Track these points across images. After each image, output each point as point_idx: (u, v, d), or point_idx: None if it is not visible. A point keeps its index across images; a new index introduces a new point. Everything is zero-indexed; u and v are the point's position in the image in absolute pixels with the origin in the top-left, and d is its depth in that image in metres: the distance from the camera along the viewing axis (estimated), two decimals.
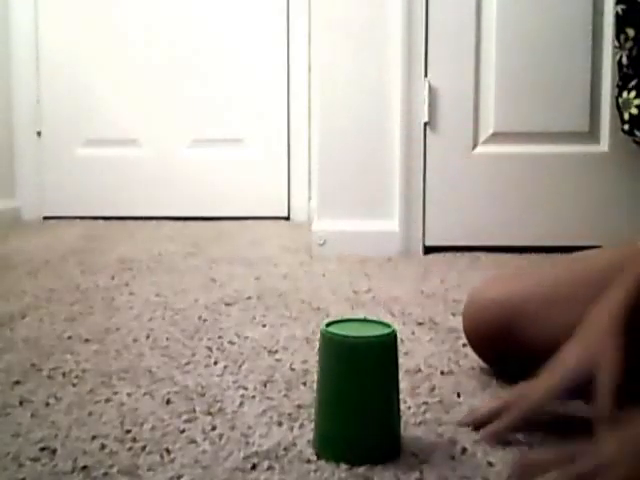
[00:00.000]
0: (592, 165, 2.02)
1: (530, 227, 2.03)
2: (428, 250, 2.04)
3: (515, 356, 0.96)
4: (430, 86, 2.00)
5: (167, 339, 1.21)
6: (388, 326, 0.79)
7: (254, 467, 0.75)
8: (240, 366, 1.07)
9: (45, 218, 2.85)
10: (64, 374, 1.04)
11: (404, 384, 0.98)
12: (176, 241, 2.27)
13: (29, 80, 2.82)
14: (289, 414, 0.89)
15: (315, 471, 0.74)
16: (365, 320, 0.83)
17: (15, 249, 2.15)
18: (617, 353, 0.79)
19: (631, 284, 0.83)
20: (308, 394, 0.95)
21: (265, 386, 0.99)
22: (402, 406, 0.89)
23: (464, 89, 2.01)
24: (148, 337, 1.22)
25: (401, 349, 1.11)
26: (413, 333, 1.24)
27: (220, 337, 1.22)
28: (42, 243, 2.26)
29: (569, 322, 0.93)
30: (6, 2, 2.78)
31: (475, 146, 2.03)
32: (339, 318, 0.81)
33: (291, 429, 0.84)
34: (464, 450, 0.79)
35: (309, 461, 0.76)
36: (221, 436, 0.82)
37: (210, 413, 0.89)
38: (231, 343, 1.19)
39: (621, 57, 1.71)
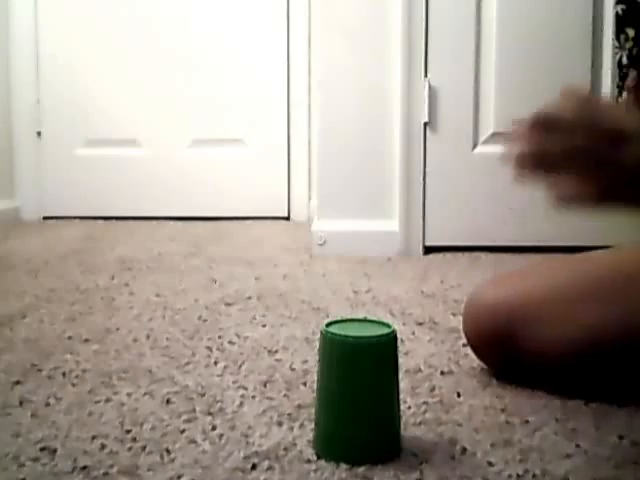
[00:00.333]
0: None
1: (530, 227, 2.03)
2: (428, 250, 2.04)
3: (515, 358, 0.96)
4: (430, 86, 2.00)
5: (167, 339, 1.21)
6: (388, 326, 0.79)
7: (254, 467, 0.75)
8: (240, 366, 1.07)
9: (45, 218, 2.85)
10: (64, 374, 1.04)
11: (404, 384, 0.98)
12: (176, 241, 2.27)
13: (29, 80, 2.82)
14: (289, 414, 0.89)
15: (315, 471, 0.74)
16: (365, 320, 0.83)
17: (15, 249, 2.15)
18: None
19: None
20: (308, 394, 0.95)
21: (265, 386, 0.99)
22: (402, 406, 0.89)
23: (464, 89, 2.01)
24: (148, 337, 1.22)
25: (401, 349, 1.11)
26: (413, 333, 1.24)
27: (220, 337, 1.22)
28: (42, 243, 2.26)
29: (570, 323, 0.93)
30: (6, 2, 2.78)
31: (475, 146, 2.03)
32: (339, 318, 0.81)
33: (291, 429, 0.84)
34: (464, 450, 0.79)
35: (309, 461, 0.76)
36: (221, 436, 0.82)
37: (210, 413, 0.89)
38: (231, 343, 1.19)
39: (621, 57, 1.71)
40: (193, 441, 0.81)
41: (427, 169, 2.03)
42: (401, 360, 1.05)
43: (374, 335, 0.77)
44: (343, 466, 0.75)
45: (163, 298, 1.50)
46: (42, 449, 0.79)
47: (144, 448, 0.79)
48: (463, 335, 1.06)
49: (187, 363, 1.09)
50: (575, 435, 0.83)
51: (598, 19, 1.97)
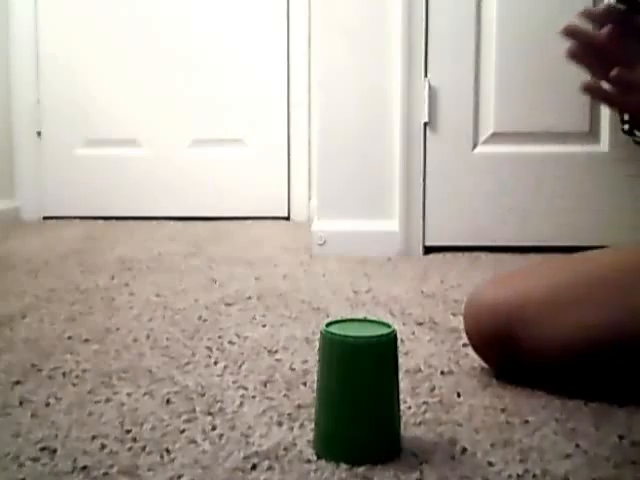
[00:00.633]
0: (592, 165, 2.02)
1: (530, 227, 2.03)
2: (428, 250, 2.04)
3: (516, 358, 0.96)
4: (430, 86, 2.00)
5: (167, 339, 1.21)
6: (388, 326, 0.79)
7: (254, 467, 0.75)
8: (240, 366, 1.07)
9: (45, 218, 2.85)
10: (64, 374, 1.04)
11: (404, 384, 0.98)
12: (176, 241, 2.27)
13: (29, 80, 2.82)
14: (289, 414, 0.89)
15: (315, 471, 0.74)
16: (365, 320, 0.83)
17: (15, 249, 2.15)
18: None
19: None
20: (308, 394, 0.95)
21: (265, 386, 0.99)
22: (402, 406, 0.89)
23: (464, 89, 2.01)
24: (148, 337, 1.22)
25: (401, 349, 1.11)
26: (413, 333, 1.24)
27: (220, 337, 1.22)
28: (42, 243, 2.26)
29: (570, 323, 0.93)
30: (6, 2, 2.79)
31: (475, 146, 2.03)
32: (339, 318, 0.81)
33: (291, 429, 0.84)
34: (464, 450, 0.79)
35: (309, 461, 0.76)
36: (221, 436, 0.82)
37: (210, 413, 0.89)
38: (231, 343, 1.19)
39: None
40: (193, 441, 0.81)
41: (427, 169, 2.03)
42: (401, 360, 1.05)
43: (374, 335, 0.77)
44: (343, 466, 0.75)
45: (163, 298, 1.50)
46: (42, 449, 0.79)
47: (144, 448, 0.79)
48: (464, 335, 1.06)
49: (187, 363, 1.09)
50: (575, 435, 0.83)
51: None
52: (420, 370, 1.05)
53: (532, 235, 2.03)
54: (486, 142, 2.03)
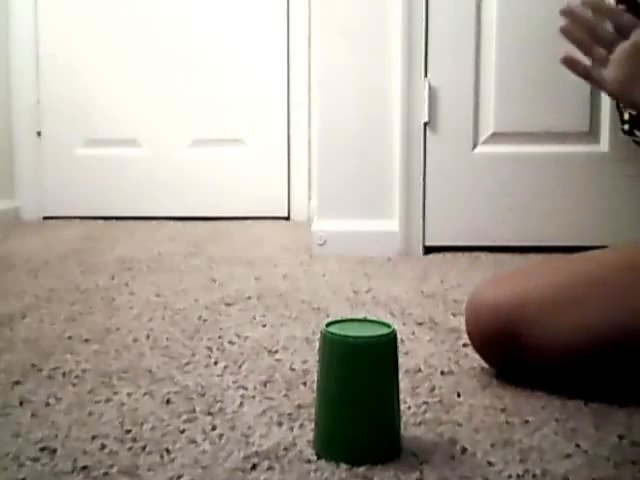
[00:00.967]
0: (592, 165, 2.02)
1: (530, 227, 2.03)
2: (428, 250, 2.04)
3: (517, 358, 0.96)
4: (430, 86, 2.00)
5: (167, 339, 1.21)
6: (388, 326, 0.79)
7: (254, 467, 0.75)
8: (240, 366, 1.07)
9: (45, 218, 2.85)
10: (64, 374, 1.04)
11: (404, 384, 0.98)
12: (176, 241, 2.27)
13: (29, 80, 2.82)
14: (289, 414, 0.89)
15: (315, 471, 0.74)
16: (365, 320, 0.83)
17: (15, 249, 2.15)
18: None
19: None
20: (308, 394, 0.95)
21: (265, 386, 0.99)
22: (402, 406, 0.89)
23: (464, 89, 2.01)
24: (148, 337, 1.22)
25: (401, 349, 1.11)
26: (413, 333, 1.24)
27: (220, 337, 1.22)
28: (42, 243, 2.26)
29: (571, 323, 0.93)
30: (6, 2, 2.79)
31: (475, 146, 2.03)
32: (339, 318, 0.81)
33: (291, 429, 0.84)
34: (464, 450, 0.79)
35: (309, 461, 0.76)
36: (221, 436, 0.82)
37: (210, 413, 0.89)
38: (231, 343, 1.19)
39: None
40: (193, 441, 0.81)
41: (427, 169, 2.03)
42: (401, 360, 1.05)
43: (374, 335, 0.77)
44: (343, 466, 0.75)
45: (163, 298, 1.50)
46: (42, 449, 0.79)
47: (144, 448, 0.79)
48: (464, 335, 1.06)
49: (187, 363, 1.09)
50: (575, 435, 0.83)
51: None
52: (420, 370, 1.05)
53: (532, 235, 2.03)
54: (486, 142, 2.03)
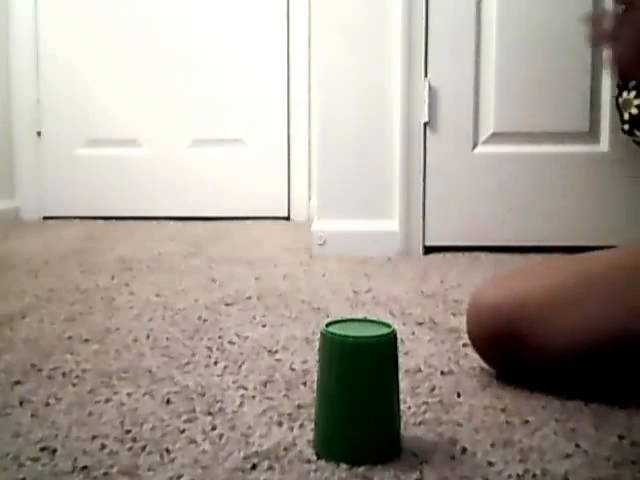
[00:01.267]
0: (592, 165, 2.02)
1: (530, 227, 2.03)
2: (428, 250, 2.04)
3: (517, 358, 0.96)
4: (430, 86, 2.00)
5: (167, 339, 1.21)
6: (388, 326, 0.79)
7: (254, 467, 0.75)
8: (240, 366, 1.07)
9: (45, 218, 2.85)
10: (64, 374, 1.04)
11: (404, 384, 0.98)
12: (176, 241, 2.27)
13: (29, 80, 2.82)
14: (289, 414, 0.89)
15: (315, 471, 0.74)
16: (365, 320, 0.83)
17: (15, 249, 2.15)
18: None
19: None
20: (308, 394, 0.95)
21: (265, 386, 0.99)
22: (402, 406, 0.89)
23: (464, 89, 2.01)
24: (148, 337, 1.22)
25: (401, 349, 1.11)
26: (413, 333, 1.24)
27: (220, 337, 1.22)
28: (42, 243, 2.26)
29: (571, 323, 0.93)
30: (6, 2, 2.79)
31: (475, 146, 2.03)
32: (339, 318, 0.81)
33: (291, 429, 0.84)
34: (464, 450, 0.79)
35: (309, 461, 0.76)
36: (221, 436, 0.82)
37: (210, 413, 0.89)
38: (231, 343, 1.19)
39: None
40: (193, 441, 0.81)
41: (427, 169, 2.03)
42: (401, 360, 1.05)
43: (374, 335, 0.77)
44: (343, 466, 0.75)
45: (163, 298, 1.50)
46: (42, 449, 0.79)
47: (144, 448, 0.79)
48: (464, 335, 1.06)
49: (187, 363, 1.09)
50: (575, 435, 0.83)
51: None
52: (420, 370, 1.05)
53: (532, 235, 2.03)
54: (486, 142, 2.03)
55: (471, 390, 0.98)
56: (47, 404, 0.93)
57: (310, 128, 2.76)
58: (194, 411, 0.90)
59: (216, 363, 1.09)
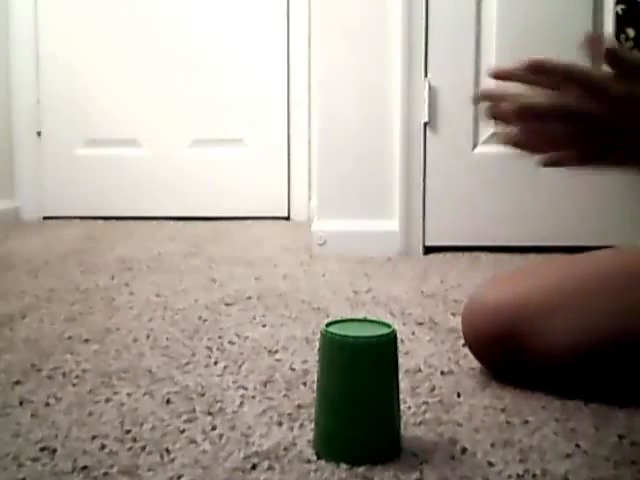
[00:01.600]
0: None
1: (530, 227, 2.03)
2: (428, 250, 2.04)
3: (515, 359, 0.96)
4: (430, 86, 2.00)
5: (167, 339, 1.21)
6: (388, 326, 0.79)
7: (254, 467, 0.75)
8: (240, 366, 1.07)
9: (45, 218, 2.85)
10: (64, 374, 1.04)
11: (404, 384, 0.98)
12: (176, 241, 2.27)
13: (29, 80, 2.82)
14: (289, 414, 0.89)
15: (315, 471, 0.74)
16: (365, 320, 0.83)
17: (15, 249, 2.15)
18: None
19: None
20: (308, 394, 0.95)
21: (265, 386, 0.99)
22: (402, 406, 0.89)
23: (464, 89, 2.01)
24: (148, 337, 1.22)
25: (401, 349, 1.11)
26: (413, 333, 1.24)
27: (220, 337, 1.22)
28: (42, 243, 2.26)
29: (572, 324, 0.93)
30: (6, 2, 2.79)
31: (475, 146, 2.03)
32: (339, 318, 0.81)
33: (291, 429, 0.84)
34: (464, 450, 0.79)
35: (309, 461, 0.76)
36: (221, 436, 0.82)
37: (210, 413, 0.89)
38: (231, 343, 1.19)
39: None
40: (193, 441, 0.81)
41: (427, 169, 2.03)
42: (401, 360, 1.05)
43: (374, 335, 0.77)
44: (343, 466, 0.75)
45: (163, 298, 1.50)
46: (42, 449, 0.79)
47: (144, 448, 0.79)
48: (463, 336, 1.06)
49: (187, 363, 1.09)
50: (575, 435, 0.83)
51: (598, 19, 1.97)
52: (420, 370, 1.05)
53: (532, 235, 2.03)
54: (486, 142, 2.03)
55: (471, 390, 0.98)
56: (47, 404, 0.93)
57: (310, 128, 2.76)
58: (194, 411, 0.90)
59: (216, 363, 1.09)
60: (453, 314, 1.36)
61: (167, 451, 0.79)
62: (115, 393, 0.96)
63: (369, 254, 1.99)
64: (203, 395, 0.95)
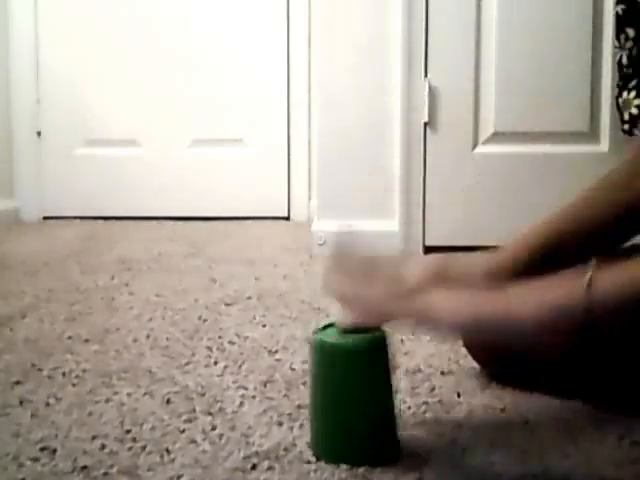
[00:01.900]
0: (592, 165, 2.02)
1: None
2: (428, 250, 2.04)
3: (513, 362, 0.96)
4: (430, 86, 2.00)
5: (167, 339, 1.21)
6: (379, 328, 0.78)
7: (254, 467, 0.75)
8: (240, 366, 1.07)
9: (45, 218, 2.85)
10: (64, 374, 1.04)
11: (404, 384, 0.98)
12: (176, 241, 2.27)
13: (29, 80, 2.82)
14: (289, 414, 0.89)
15: (315, 471, 0.74)
16: None
17: (15, 249, 2.15)
18: None
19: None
20: (308, 394, 0.95)
21: (265, 386, 0.99)
22: (402, 406, 0.89)
23: (464, 89, 2.01)
24: (148, 337, 1.22)
25: (401, 349, 1.11)
26: (413, 333, 1.24)
27: (220, 337, 1.22)
28: (42, 243, 2.26)
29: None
30: (6, 2, 2.78)
31: (475, 146, 2.03)
32: (332, 320, 0.80)
33: (291, 429, 0.84)
34: (464, 450, 0.79)
35: (309, 461, 0.76)
36: (221, 436, 0.82)
37: (210, 413, 0.89)
38: (231, 343, 1.19)
39: (621, 57, 1.70)
40: (193, 441, 0.81)
41: (427, 169, 2.03)
42: (401, 360, 1.05)
43: (364, 340, 0.75)
44: (343, 466, 0.75)
45: (163, 298, 1.50)
46: (42, 449, 0.79)
47: (144, 448, 0.79)
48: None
49: (187, 363, 1.09)
50: (575, 435, 0.83)
51: (598, 19, 1.97)
52: (420, 370, 1.05)
53: None
54: (486, 142, 2.03)
55: (471, 390, 0.98)
56: (47, 404, 0.93)
57: (310, 128, 2.76)
58: (194, 411, 0.90)
59: (216, 363, 1.09)
60: None
61: (167, 451, 0.79)
62: (115, 393, 0.96)
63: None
64: (203, 395, 0.95)
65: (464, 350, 1.13)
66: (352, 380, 0.76)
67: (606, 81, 1.98)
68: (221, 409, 0.91)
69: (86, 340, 1.21)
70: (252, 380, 1.01)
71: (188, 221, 2.71)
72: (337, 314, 0.78)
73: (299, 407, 0.91)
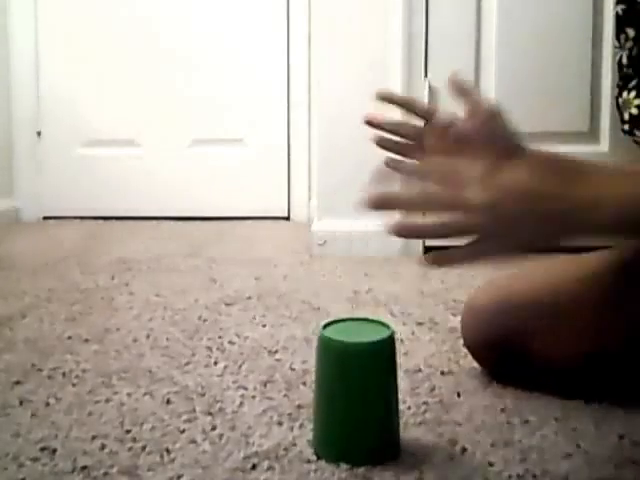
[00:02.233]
0: None
1: None
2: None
3: (513, 361, 0.96)
4: (430, 86, 2.00)
5: (167, 339, 1.21)
6: (387, 327, 0.79)
7: (254, 467, 0.75)
8: (240, 366, 1.07)
9: (44, 218, 2.85)
10: (64, 374, 1.04)
11: (404, 384, 0.98)
12: (176, 241, 2.27)
13: (29, 80, 2.82)
14: (289, 414, 0.89)
15: (315, 471, 0.74)
16: (364, 320, 0.83)
17: (15, 249, 2.15)
18: None
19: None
20: (308, 394, 0.95)
21: (265, 386, 0.99)
22: (402, 406, 0.89)
23: None
24: (148, 337, 1.22)
25: (401, 349, 1.11)
26: (413, 333, 1.24)
27: (220, 337, 1.22)
28: (42, 243, 2.26)
29: (568, 327, 0.93)
30: (6, 2, 2.79)
31: None
32: (338, 318, 0.81)
33: (291, 429, 0.84)
34: (464, 450, 0.79)
35: (309, 461, 0.76)
36: (221, 436, 0.82)
37: (210, 413, 0.89)
38: (231, 343, 1.19)
39: (621, 57, 1.70)
40: (193, 441, 0.81)
41: None
42: (401, 360, 1.05)
43: (372, 341, 0.76)
44: (343, 466, 0.75)
45: (163, 298, 1.50)
46: (42, 449, 0.79)
47: (144, 448, 0.79)
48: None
49: (187, 363, 1.09)
50: (575, 435, 0.83)
51: (598, 19, 1.97)
52: (420, 370, 1.05)
53: None
54: None
55: (471, 390, 0.98)
56: (47, 404, 0.93)
57: (310, 128, 2.75)
58: (194, 411, 0.90)
59: (216, 363, 1.09)
60: (453, 314, 1.36)
61: (167, 451, 0.79)
62: (115, 393, 0.96)
63: (369, 254, 1.99)
64: (203, 395, 0.95)
65: (464, 350, 1.13)
66: (359, 379, 0.76)
67: (606, 81, 1.98)
68: (221, 409, 0.91)
69: (86, 340, 1.21)
70: (252, 380, 1.01)
71: (188, 221, 2.71)
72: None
73: (299, 407, 0.91)
